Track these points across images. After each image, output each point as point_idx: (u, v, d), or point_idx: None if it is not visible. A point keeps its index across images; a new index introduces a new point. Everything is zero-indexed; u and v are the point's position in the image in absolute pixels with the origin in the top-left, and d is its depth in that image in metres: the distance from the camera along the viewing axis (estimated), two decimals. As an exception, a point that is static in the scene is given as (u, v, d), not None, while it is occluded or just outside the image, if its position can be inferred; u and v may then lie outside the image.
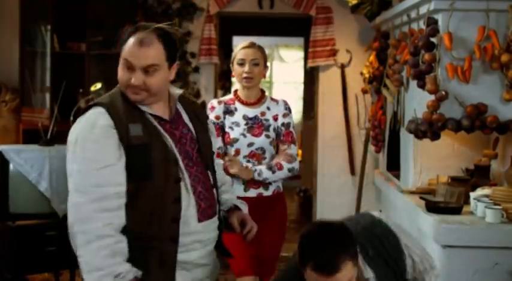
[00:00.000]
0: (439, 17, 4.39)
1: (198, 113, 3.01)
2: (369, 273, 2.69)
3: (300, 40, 10.51)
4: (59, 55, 6.67)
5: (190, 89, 6.99)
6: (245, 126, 4.05)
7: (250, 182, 4.03)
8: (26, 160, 5.31)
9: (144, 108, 2.76)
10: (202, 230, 2.80)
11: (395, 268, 2.72)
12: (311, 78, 8.52)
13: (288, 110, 4.20)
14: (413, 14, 4.87)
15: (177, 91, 2.92)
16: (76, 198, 2.61)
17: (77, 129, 2.69)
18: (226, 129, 4.05)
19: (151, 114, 2.77)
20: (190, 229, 2.75)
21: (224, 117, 4.07)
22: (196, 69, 7.02)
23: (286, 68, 11.64)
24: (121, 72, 2.74)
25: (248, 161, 4.06)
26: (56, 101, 6.01)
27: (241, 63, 4.07)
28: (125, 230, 2.65)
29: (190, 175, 2.79)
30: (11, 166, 5.32)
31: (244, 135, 4.04)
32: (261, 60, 4.11)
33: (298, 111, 10.71)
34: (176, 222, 2.71)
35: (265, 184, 4.07)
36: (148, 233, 2.69)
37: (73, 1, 6.64)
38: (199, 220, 2.78)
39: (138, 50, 2.68)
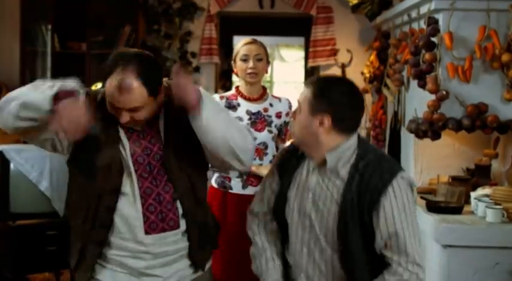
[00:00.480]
0: (440, 16, 4.39)
1: (181, 115, 2.77)
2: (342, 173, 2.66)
3: (301, 40, 10.50)
4: (59, 55, 6.67)
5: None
6: (248, 121, 4.04)
7: (248, 179, 4.03)
8: (26, 160, 5.31)
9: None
10: (152, 243, 2.76)
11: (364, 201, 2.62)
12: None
13: (291, 108, 4.20)
14: (413, 14, 4.87)
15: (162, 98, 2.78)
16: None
17: None
18: None
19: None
20: (138, 239, 2.74)
21: None
22: (197, 69, 7.02)
23: (286, 67, 11.63)
24: (108, 105, 2.69)
25: None
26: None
27: (245, 59, 4.08)
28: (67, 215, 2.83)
29: (141, 187, 2.74)
30: (12, 166, 5.32)
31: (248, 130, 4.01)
32: (264, 56, 4.13)
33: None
34: (105, 228, 2.75)
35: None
36: (82, 230, 2.76)
37: (73, 1, 6.64)
38: (147, 232, 2.74)
39: (119, 97, 2.60)
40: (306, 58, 8.09)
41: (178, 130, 2.78)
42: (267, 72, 4.24)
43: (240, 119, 4.03)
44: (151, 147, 2.77)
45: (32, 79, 6.56)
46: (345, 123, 2.65)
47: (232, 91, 4.18)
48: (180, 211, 2.79)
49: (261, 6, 7.01)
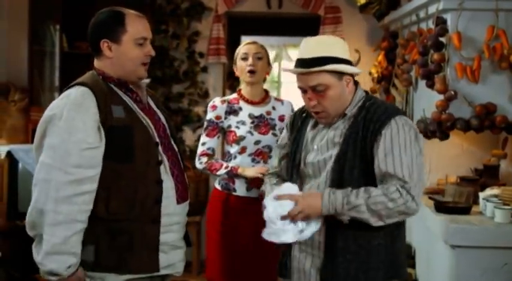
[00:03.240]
0: (448, 16, 4.38)
1: (160, 104, 3.06)
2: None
3: (308, 40, 10.50)
4: (67, 55, 6.69)
5: (199, 88, 6.99)
6: (251, 125, 4.02)
7: (253, 182, 3.98)
8: (35, 159, 5.32)
9: (122, 94, 2.80)
10: (180, 212, 2.87)
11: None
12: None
13: (292, 112, 4.18)
14: (422, 14, 4.86)
15: (145, 81, 2.94)
16: (55, 175, 2.61)
17: (62, 106, 2.70)
18: (232, 129, 4.00)
19: (130, 96, 2.81)
20: (170, 211, 2.81)
21: (225, 118, 4.03)
22: (205, 69, 7.02)
23: (294, 67, 11.64)
24: (137, 50, 2.82)
25: (253, 160, 4.02)
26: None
27: (245, 58, 4.07)
28: (106, 214, 2.69)
29: (168, 158, 2.84)
30: (20, 166, 5.34)
31: (251, 133, 4.00)
32: (264, 56, 4.11)
33: (307, 111, 10.71)
34: (158, 204, 2.76)
35: None
36: (130, 215, 2.71)
37: (81, 1, 6.65)
38: (178, 202, 2.84)
39: (143, 22, 2.89)
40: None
41: (164, 112, 3.00)
42: (268, 74, 4.21)
43: (243, 123, 4.01)
44: (158, 122, 2.90)
45: (40, 79, 6.59)
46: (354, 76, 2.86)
47: (234, 95, 4.16)
48: (187, 182, 2.94)
49: (269, 6, 7.00)
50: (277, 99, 4.23)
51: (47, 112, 2.74)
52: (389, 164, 2.66)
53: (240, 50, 4.11)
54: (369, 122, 2.72)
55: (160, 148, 2.82)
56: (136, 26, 2.80)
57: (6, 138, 6.32)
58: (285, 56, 11.55)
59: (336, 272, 2.73)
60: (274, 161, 3.13)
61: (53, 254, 2.61)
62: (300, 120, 2.98)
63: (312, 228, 2.71)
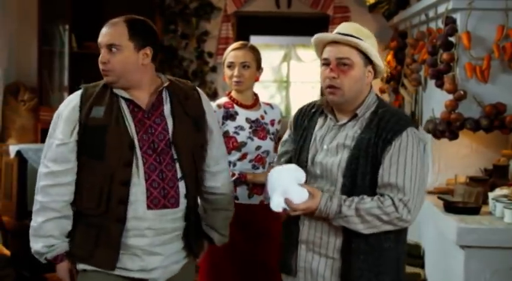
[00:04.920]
0: (458, 16, 4.37)
1: (191, 106, 3.00)
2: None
3: (317, 40, 10.49)
4: (76, 55, 6.71)
5: (208, 88, 7.00)
6: (250, 130, 3.87)
7: (254, 188, 3.88)
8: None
9: (121, 93, 2.88)
10: (153, 218, 2.85)
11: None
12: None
13: (281, 116, 4.11)
14: (431, 13, 4.85)
15: (166, 81, 3.00)
16: (40, 168, 2.92)
17: (59, 107, 2.94)
18: (231, 134, 3.84)
19: (126, 100, 2.88)
20: (139, 215, 2.83)
21: (223, 123, 3.84)
22: (214, 69, 7.04)
23: (303, 67, 11.61)
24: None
25: (254, 166, 3.90)
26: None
27: (230, 66, 3.88)
28: (80, 206, 2.90)
29: (145, 162, 2.85)
30: (29, 165, 5.35)
31: (252, 139, 3.86)
32: (252, 63, 3.89)
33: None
34: (123, 205, 2.82)
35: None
36: (97, 211, 2.85)
37: (91, 1, 6.67)
38: (149, 207, 2.84)
39: (104, 30, 2.89)
40: (323, 58, 8.07)
41: (185, 115, 2.96)
42: (257, 80, 3.98)
43: (241, 128, 3.86)
44: (155, 127, 2.90)
45: (49, 79, 6.62)
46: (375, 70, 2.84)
47: (225, 99, 3.95)
48: (183, 190, 2.91)
49: (278, 6, 7.01)
50: (266, 103, 4.08)
51: None
52: (392, 175, 2.67)
53: (227, 57, 3.91)
54: (382, 130, 2.72)
55: (138, 150, 2.83)
56: (104, 31, 2.91)
57: (16, 138, 6.34)
58: (293, 56, 11.56)
59: (351, 273, 2.72)
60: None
61: (33, 236, 2.93)
62: (306, 118, 2.96)
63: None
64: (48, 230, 2.89)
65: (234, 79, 3.87)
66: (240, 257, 3.81)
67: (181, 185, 2.91)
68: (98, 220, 2.84)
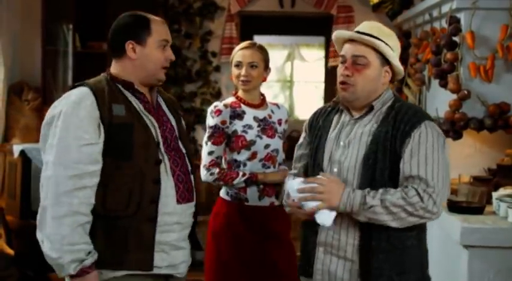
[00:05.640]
0: (461, 15, 4.37)
1: (176, 107, 3.09)
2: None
3: (321, 39, 10.49)
4: (80, 54, 6.72)
5: (211, 88, 7.00)
6: (258, 128, 3.85)
7: (265, 190, 3.84)
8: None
9: (128, 94, 2.84)
10: (181, 212, 2.85)
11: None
12: (332, 77, 8.49)
13: (288, 115, 4.09)
14: (435, 13, 4.85)
15: None
16: (55, 171, 2.66)
17: (61, 106, 2.75)
18: (240, 133, 3.81)
19: (137, 97, 2.85)
20: (169, 210, 2.81)
21: (230, 123, 3.81)
22: (217, 68, 7.04)
23: (307, 67, 11.61)
24: (160, 53, 2.87)
25: (264, 165, 3.86)
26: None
27: (238, 65, 3.87)
28: (102, 210, 2.72)
29: (170, 158, 2.85)
30: (33, 164, 5.36)
31: (260, 137, 3.83)
32: (260, 63, 3.87)
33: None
34: (155, 203, 2.77)
35: (278, 193, 3.88)
36: (126, 212, 2.74)
37: (94, 1, 6.68)
38: (178, 202, 2.84)
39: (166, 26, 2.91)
40: (327, 57, 8.09)
41: (176, 112, 3.03)
42: (264, 80, 3.97)
43: (250, 126, 3.83)
44: (165, 123, 2.92)
45: (53, 78, 6.62)
46: (394, 71, 2.84)
47: (232, 98, 3.94)
48: (193, 184, 2.95)
49: (282, 6, 7.01)
50: (272, 103, 4.07)
51: (48, 113, 2.80)
52: (414, 167, 2.64)
53: (235, 56, 3.91)
54: (399, 122, 2.70)
55: (162, 147, 2.84)
56: (160, 29, 2.85)
57: (20, 138, 6.35)
58: (297, 56, 11.55)
59: (370, 272, 2.70)
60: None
61: (66, 245, 2.65)
62: (321, 119, 2.94)
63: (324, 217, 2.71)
64: (82, 236, 2.66)
65: (242, 78, 3.85)
66: (249, 258, 3.79)
67: (192, 179, 2.95)
68: (125, 222, 2.74)
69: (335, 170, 2.78)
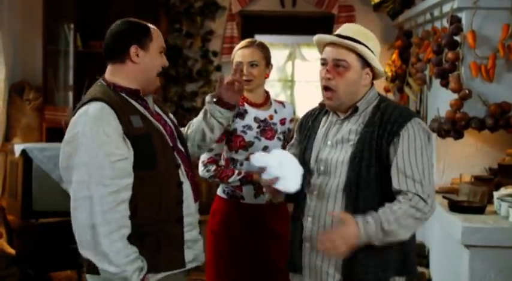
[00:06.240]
0: (463, 15, 4.36)
1: (165, 108, 3.14)
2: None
3: (322, 39, 10.49)
4: (81, 54, 6.72)
5: (212, 87, 6.99)
6: (257, 130, 3.83)
7: (261, 188, 3.73)
8: (49, 158, 5.34)
9: (135, 103, 2.87)
10: (197, 210, 3.00)
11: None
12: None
13: (294, 114, 4.06)
14: (436, 12, 4.84)
15: None
16: (95, 190, 2.67)
17: (82, 123, 2.73)
18: (239, 133, 3.80)
19: (141, 104, 2.89)
20: (191, 210, 2.93)
21: (232, 121, 3.77)
22: (218, 68, 7.04)
23: (308, 66, 11.59)
24: (160, 59, 2.93)
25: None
26: (79, 99, 6.03)
27: (239, 65, 3.81)
28: (135, 219, 2.74)
29: (182, 160, 2.94)
30: (34, 164, 5.36)
31: (259, 139, 3.82)
32: (260, 61, 3.84)
33: (320, 110, 10.71)
34: (180, 204, 2.87)
35: None
36: (157, 218, 2.80)
37: (96, 0, 6.68)
38: (195, 201, 2.97)
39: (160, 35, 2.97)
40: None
41: (166, 114, 3.08)
42: (267, 77, 3.94)
43: (249, 127, 3.82)
44: (165, 127, 2.97)
45: (54, 78, 6.62)
46: (374, 73, 2.87)
47: None
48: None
49: (283, 5, 7.02)
50: (278, 101, 4.05)
51: (69, 131, 2.79)
52: (407, 167, 2.68)
53: (235, 56, 3.89)
54: (385, 123, 2.74)
55: (174, 152, 2.93)
56: (158, 37, 2.93)
57: (21, 137, 6.35)
58: (298, 55, 11.54)
59: (356, 269, 2.72)
60: None
61: (124, 258, 2.68)
62: (311, 119, 3.00)
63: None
64: (131, 247, 2.71)
65: (243, 78, 3.78)
66: (247, 256, 3.79)
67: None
68: (156, 227, 2.80)
69: (322, 168, 2.83)
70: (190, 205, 2.92)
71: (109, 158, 2.68)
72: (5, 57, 6.22)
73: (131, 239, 2.73)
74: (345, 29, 2.87)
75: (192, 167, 3.03)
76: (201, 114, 3.26)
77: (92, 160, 2.68)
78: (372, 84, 2.89)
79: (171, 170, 2.86)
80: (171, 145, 2.91)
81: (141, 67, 2.87)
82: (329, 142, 2.84)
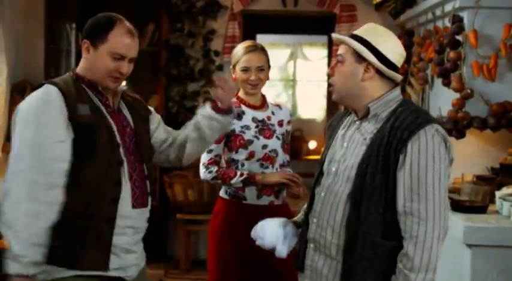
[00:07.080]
0: (465, 14, 4.36)
1: (139, 108, 3.10)
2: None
3: (324, 38, 10.47)
4: (83, 53, 6.72)
5: (214, 86, 6.99)
6: (256, 129, 3.85)
7: (264, 189, 3.84)
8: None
9: (91, 95, 2.89)
10: (136, 217, 2.90)
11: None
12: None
13: (291, 116, 4.08)
14: (438, 12, 4.84)
15: (122, 87, 3.05)
16: (31, 166, 2.66)
17: (31, 103, 2.79)
18: (238, 133, 3.82)
19: (99, 99, 2.89)
20: (125, 213, 2.84)
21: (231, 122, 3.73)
22: (220, 68, 7.03)
23: (309, 66, 11.60)
24: (110, 63, 2.87)
25: (262, 165, 3.86)
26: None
27: (246, 70, 3.86)
28: (63, 209, 2.72)
29: (128, 162, 2.89)
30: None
31: (257, 138, 3.84)
32: (265, 65, 3.90)
33: (322, 109, 10.70)
34: (115, 203, 2.81)
35: (277, 192, 3.90)
36: (85, 212, 2.77)
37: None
38: (133, 206, 2.88)
39: (132, 41, 2.93)
40: (330, 56, 8.07)
41: (139, 117, 3.05)
42: (268, 79, 3.98)
43: (247, 127, 3.84)
44: (125, 127, 2.95)
45: (56, 77, 6.62)
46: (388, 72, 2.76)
47: (233, 99, 3.84)
48: (148, 190, 2.98)
49: (284, 5, 7.00)
50: (274, 104, 4.06)
51: (20, 108, 2.82)
52: (414, 185, 2.57)
53: (240, 61, 3.89)
54: (396, 129, 2.62)
55: (121, 150, 2.87)
56: (119, 41, 2.88)
57: (23, 137, 6.34)
58: (300, 55, 11.54)
59: (354, 278, 2.69)
60: None
61: (37, 246, 2.68)
62: (336, 120, 2.97)
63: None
64: (46, 239, 2.70)
65: (252, 83, 3.86)
66: (249, 258, 3.78)
67: (147, 185, 2.98)
68: (84, 221, 2.77)
69: (333, 169, 2.79)
70: (125, 208, 2.84)
71: (50, 139, 2.70)
72: (7, 57, 6.22)
73: (56, 227, 2.71)
74: (362, 28, 2.84)
75: (144, 174, 2.96)
76: (193, 133, 3.16)
77: (33, 138, 2.69)
78: (396, 84, 2.81)
79: (112, 166, 2.82)
80: (118, 142, 2.86)
81: (90, 62, 2.91)
82: (345, 144, 2.80)
